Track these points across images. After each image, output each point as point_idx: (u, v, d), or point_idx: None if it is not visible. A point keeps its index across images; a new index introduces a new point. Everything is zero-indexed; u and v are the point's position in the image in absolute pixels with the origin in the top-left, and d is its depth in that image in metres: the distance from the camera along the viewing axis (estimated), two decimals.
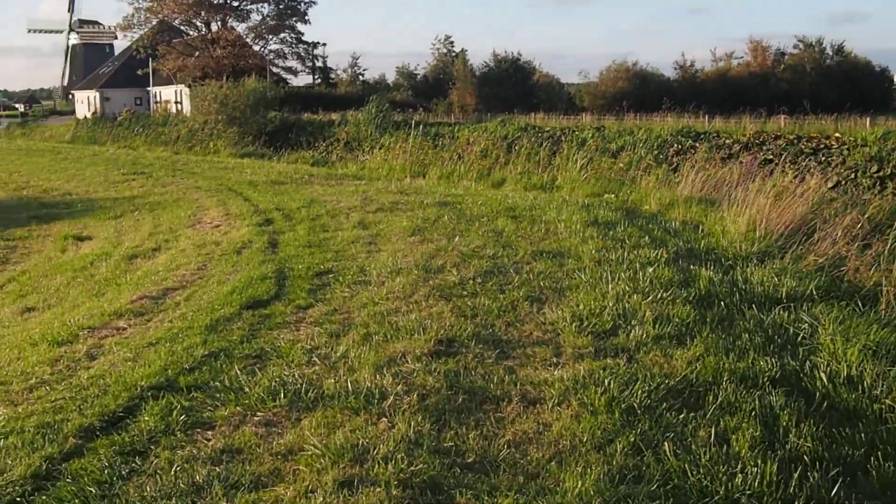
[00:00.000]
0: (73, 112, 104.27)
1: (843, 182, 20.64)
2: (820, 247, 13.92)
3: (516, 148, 30.60)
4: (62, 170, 36.45)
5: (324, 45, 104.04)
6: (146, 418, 7.28)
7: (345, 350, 8.83)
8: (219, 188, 26.48)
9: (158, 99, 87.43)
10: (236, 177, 30.55)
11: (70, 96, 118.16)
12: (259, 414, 7.35)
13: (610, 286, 11.22)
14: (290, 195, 23.44)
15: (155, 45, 78.77)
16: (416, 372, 8.07)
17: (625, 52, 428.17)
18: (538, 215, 17.67)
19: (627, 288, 11.12)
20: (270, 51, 79.68)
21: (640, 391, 7.43)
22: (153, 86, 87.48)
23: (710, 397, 7.45)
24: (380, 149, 37.26)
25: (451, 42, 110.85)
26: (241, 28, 78.98)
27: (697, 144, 25.38)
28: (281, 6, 79.49)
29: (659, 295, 10.70)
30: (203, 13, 78.43)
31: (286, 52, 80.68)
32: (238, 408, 7.44)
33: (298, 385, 7.76)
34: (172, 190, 26.97)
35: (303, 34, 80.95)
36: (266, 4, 79.62)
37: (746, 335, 9.16)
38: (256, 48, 78.27)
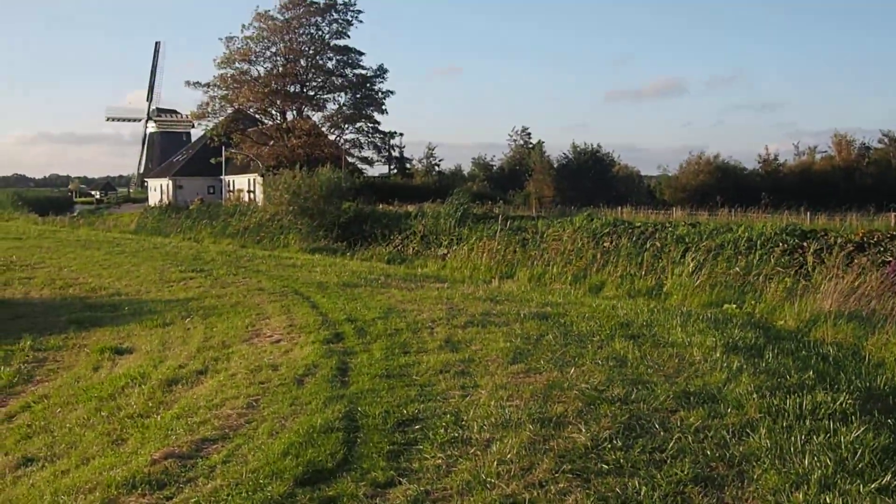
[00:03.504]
0: (146, 199, 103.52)
1: None
2: None
3: (605, 245, 27.65)
4: (116, 265, 33.49)
5: (400, 134, 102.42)
6: None
7: None
8: (283, 290, 23.53)
9: (231, 188, 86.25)
10: (304, 276, 27.55)
11: (145, 184, 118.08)
12: None
13: (806, 460, 8.04)
14: (363, 301, 20.40)
15: (229, 133, 77.75)
16: None
17: (700, 146, 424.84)
18: (661, 335, 14.61)
19: (829, 462, 7.95)
20: (346, 140, 78.43)
21: None
22: (226, 174, 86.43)
23: None
24: (459, 243, 34.44)
25: (529, 133, 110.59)
26: (316, 117, 77.98)
27: (805, 244, 22.66)
28: (358, 96, 78.23)
29: (884, 479, 7.51)
30: (279, 102, 77.58)
31: (362, 141, 79.35)
32: None
33: None
34: (232, 292, 24.02)
35: (379, 123, 79.61)
36: (343, 94, 78.41)
37: None
38: (332, 137, 77.02)
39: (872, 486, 7.38)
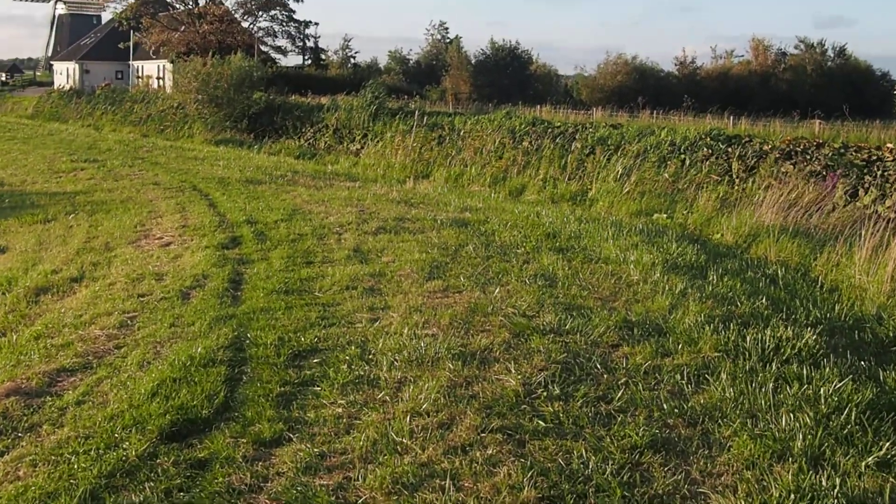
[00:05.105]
0: (53, 83, 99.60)
1: None
2: None
3: (525, 145, 26.08)
4: (3, 152, 31.07)
5: (316, 24, 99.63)
6: None
7: None
8: (181, 186, 21.68)
9: (140, 74, 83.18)
10: (206, 170, 25.63)
11: (52, 67, 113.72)
12: None
13: (783, 420, 6.64)
14: (267, 201, 18.68)
15: (139, 17, 74.29)
16: None
17: (618, 46, 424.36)
18: (592, 248, 13.20)
19: (810, 422, 6.56)
20: (260, 28, 75.41)
21: None
22: (136, 60, 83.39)
23: None
24: (373, 139, 32.57)
25: (446, 28, 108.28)
26: (229, 3, 74.62)
27: (730, 150, 21.25)
28: None
29: (882, 450, 6.14)
30: None
31: (276, 30, 76.42)
32: None
33: None
34: (125, 185, 22.12)
35: (294, 12, 76.64)
36: None
37: None
38: (245, 25, 73.97)
39: (870, 459, 6.01)
